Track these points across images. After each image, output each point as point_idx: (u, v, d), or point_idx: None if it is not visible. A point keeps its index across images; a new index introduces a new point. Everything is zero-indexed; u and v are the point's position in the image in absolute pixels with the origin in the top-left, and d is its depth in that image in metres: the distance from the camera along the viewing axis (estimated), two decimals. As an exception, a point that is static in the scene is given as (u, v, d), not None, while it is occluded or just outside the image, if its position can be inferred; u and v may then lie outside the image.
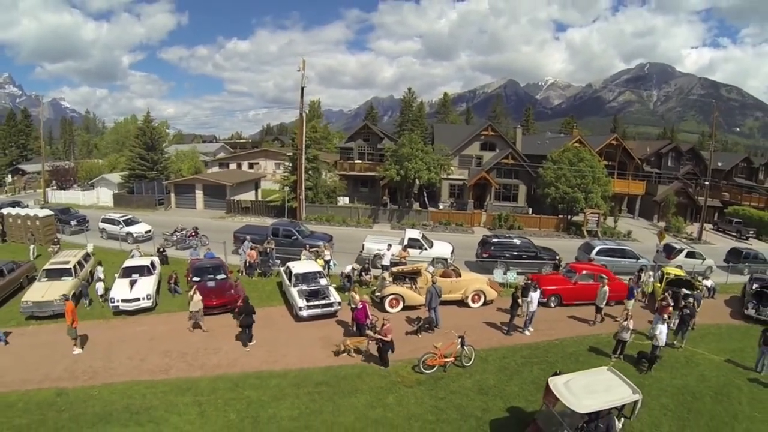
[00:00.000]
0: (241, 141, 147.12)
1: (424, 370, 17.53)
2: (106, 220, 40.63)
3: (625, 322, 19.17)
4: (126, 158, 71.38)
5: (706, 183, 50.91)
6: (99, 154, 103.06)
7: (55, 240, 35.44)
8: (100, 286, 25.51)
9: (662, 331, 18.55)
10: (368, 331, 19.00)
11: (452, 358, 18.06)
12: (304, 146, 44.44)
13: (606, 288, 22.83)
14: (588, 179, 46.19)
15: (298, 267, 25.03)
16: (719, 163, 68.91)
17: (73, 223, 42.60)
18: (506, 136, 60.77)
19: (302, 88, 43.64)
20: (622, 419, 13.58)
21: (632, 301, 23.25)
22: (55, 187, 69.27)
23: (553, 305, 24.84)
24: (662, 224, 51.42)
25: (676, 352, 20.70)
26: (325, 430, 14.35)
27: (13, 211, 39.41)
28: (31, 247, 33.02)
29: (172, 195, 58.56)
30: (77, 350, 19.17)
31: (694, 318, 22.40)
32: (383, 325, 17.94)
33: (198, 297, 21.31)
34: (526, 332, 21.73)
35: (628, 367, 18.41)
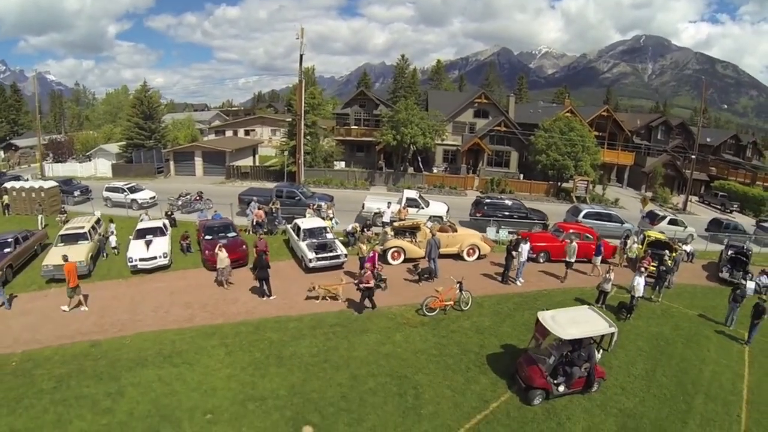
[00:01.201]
0: (233, 109, 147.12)
1: (426, 313, 19.44)
2: (110, 189, 41.60)
3: (608, 274, 20.95)
4: (123, 128, 71.32)
5: (693, 157, 52.41)
6: (91, 125, 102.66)
7: (62, 210, 36.73)
8: (113, 239, 27.59)
9: (639, 283, 20.50)
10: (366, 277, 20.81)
11: (451, 302, 19.96)
12: (303, 112, 45.63)
13: (574, 244, 24.24)
14: (578, 148, 47.64)
15: (306, 223, 26.63)
16: (708, 139, 70.28)
17: (76, 193, 43.43)
18: (499, 104, 62.00)
19: (301, 56, 44.31)
20: (601, 351, 15.61)
21: (599, 258, 25.49)
22: (51, 161, 69.75)
23: (542, 260, 26.61)
24: (649, 194, 53.03)
25: (653, 305, 22.51)
26: (342, 363, 16.11)
27: (17, 184, 40.39)
28: (39, 217, 33.95)
29: (171, 163, 59.22)
30: (84, 308, 20.38)
31: (671, 275, 24.11)
32: (364, 273, 19.70)
33: (224, 254, 22.19)
34: (518, 282, 23.63)
35: (609, 315, 19.94)
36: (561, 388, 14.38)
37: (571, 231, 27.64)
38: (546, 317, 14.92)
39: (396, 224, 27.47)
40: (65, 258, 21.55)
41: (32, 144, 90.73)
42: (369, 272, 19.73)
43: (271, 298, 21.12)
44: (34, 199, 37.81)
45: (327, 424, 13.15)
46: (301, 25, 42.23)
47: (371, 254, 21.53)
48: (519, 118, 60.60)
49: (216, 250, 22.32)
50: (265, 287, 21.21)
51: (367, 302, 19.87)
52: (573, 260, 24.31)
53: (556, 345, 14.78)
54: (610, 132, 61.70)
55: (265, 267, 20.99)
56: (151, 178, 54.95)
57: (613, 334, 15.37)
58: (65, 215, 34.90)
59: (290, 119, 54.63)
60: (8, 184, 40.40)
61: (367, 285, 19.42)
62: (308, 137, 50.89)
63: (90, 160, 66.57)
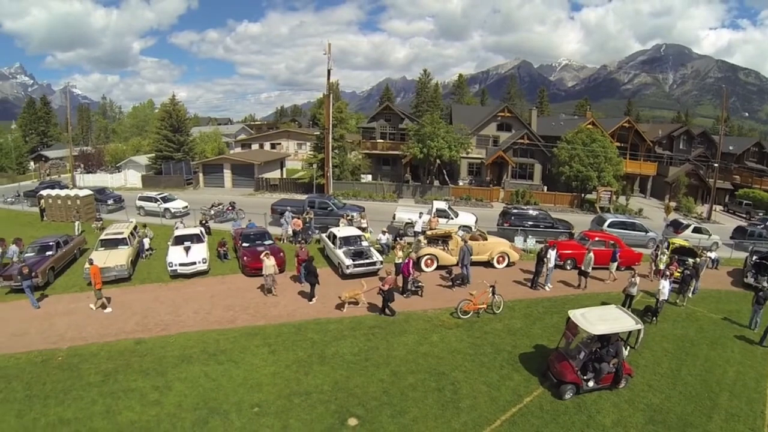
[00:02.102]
0: (257, 123, 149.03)
1: (461, 316, 20.45)
2: (143, 198, 43.18)
3: (633, 279, 21.75)
4: (151, 140, 73.22)
5: (716, 165, 52.58)
6: (118, 138, 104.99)
7: (97, 217, 38.36)
8: (146, 242, 29.18)
9: (665, 286, 21.12)
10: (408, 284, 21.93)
11: (485, 306, 20.96)
12: (330, 126, 46.82)
13: (591, 255, 24.67)
14: (600, 159, 48.18)
15: (341, 232, 27.74)
16: (731, 147, 69.95)
17: (110, 202, 45.00)
18: (522, 118, 62.70)
19: (328, 71, 45.57)
20: (628, 348, 16.45)
21: (615, 264, 26.12)
22: (82, 171, 71.76)
23: (568, 268, 27.29)
24: (672, 204, 53.03)
25: (678, 309, 23.11)
26: (382, 361, 17.10)
27: (53, 192, 42.04)
28: (76, 223, 35.31)
29: (201, 174, 60.87)
30: (109, 308, 21.55)
31: (696, 280, 24.55)
32: (385, 277, 20.79)
33: (270, 261, 22.97)
34: (546, 288, 24.52)
35: (635, 316, 21.03)
36: (590, 384, 15.20)
37: (596, 239, 28.41)
38: (576, 315, 15.86)
39: (429, 233, 28.42)
40: (90, 261, 22.73)
41: (61, 155, 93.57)
42: (389, 277, 20.76)
43: (312, 302, 22.14)
44: (69, 207, 39.13)
45: (371, 416, 14.04)
46: (328, 41, 43.48)
47: (406, 261, 22.62)
48: (541, 131, 61.22)
49: (262, 256, 23.13)
50: (314, 291, 22.32)
51: (387, 309, 20.85)
52: (590, 270, 24.75)
53: (586, 342, 15.66)
54: (632, 143, 61.99)
55: (315, 273, 22.10)
56: (180, 189, 56.36)
57: (639, 331, 16.22)
58: (101, 222, 36.52)
59: (318, 133, 55.85)
60: (44, 192, 42.07)
61: (385, 288, 20.33)
62: (336, 150, 52.11)
63: (120, 171, 68.40)
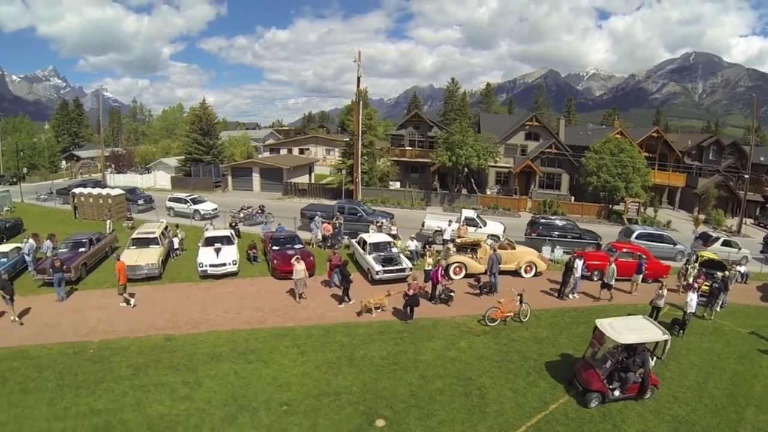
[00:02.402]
0: (284, 128, 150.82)
1: (488, 323, 20.76)
2: (173, 199, 44.23)
3: (660, 291, 21.84)
4: (181, 143, 74.80)
5: (747, 177, 51.98)
6: (148, 140, 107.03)
7: (128, 216, 39.39)
8: (176, 241, 30.02)
9: (692, 299, 21.21)
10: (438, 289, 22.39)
11: (512, 314, 21.22)
12: (360, 132, 47.38)
13: (613, 266, 24.56)
14: (628, 169, 47.95)
15: (372, 237, 28.25)
16: (762, 158, 69.30)
17: (140, 202, 46.23)
18: (549, 127, 62.73)
19: (358, 78, 46.31)
20: (654, 359, 16.61)
21: (640, 276, 25.93)
22: (112, 171, 73.41)
23: (595, 279, 27.17)
24: (702, 216, 52.14)
25: (706, 322, 23.01)
26: (410, 365, 17.48)
27: (85, 190, 43.14)
28: (108, 222, 36.47)
29: (230, 178, 62.03)
30: (132, 302, 22.31)
31: (724, 294, 24.37)
32: (410, 283, 21.30)
33: (301, 266, 23.16)
34: (572, 296, 24.78)
35: (662, 328, 21.07)
36: (616, 393, 15.38)
37: (624, 250, 28.46)
38: (604, 324, 16.09)
39: (458, 241, 28.75)
40: (117, 257, 23.87)
41: (92, 155, 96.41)
42: (415, 282, 21.26)
43: (341, 305, 22.62)
44: (101, 206, 40.17)
45: (399, 418, 14.41)
46: (358, 49, 44.23)
47: (436, 268, 23.01)
48: (569, 141, 61.12)
49: (293, 261, 23.50)
50: (346, 295, 22.90)
51: (410, 313, 21.26)
52: (612, 282, 24.69)
53: (612, 351, 15.90)
54: (661, 153, 61.35)
55: (349, 278, 22.81)
56: (209, 192, 57.28)
57: (666, 341, 16.34)
58: (132, 222, 37.57)
59: (347, 139, 56.50)
60: (76, 190, 43.30)
61: (408, 293, 20.82)
62: (365, 157, 52.75)
63: (149, 172, 70.03)
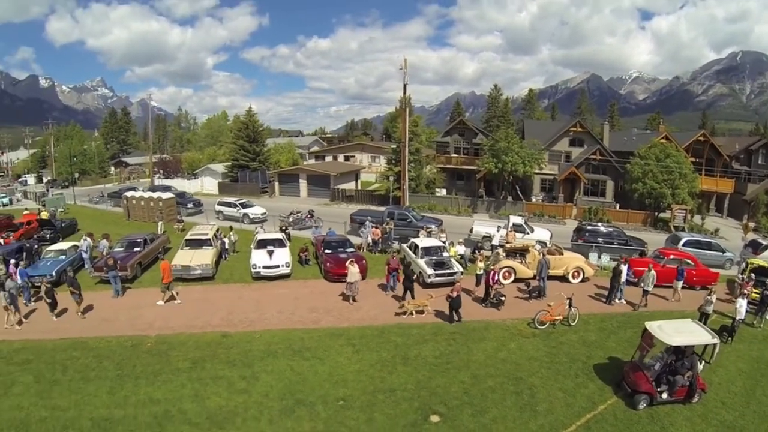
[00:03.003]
0: (328, 136, 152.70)
1: (537, 326, 21.38)
2: (222, 204, 45.98)
3: (709, 297, 22.00)
4: (228, 150, 77.28)
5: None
6: (193, 147, 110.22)
7: (179, 219, 41.23)
8: (226, 242, 31.52)
9: (742, 305, 21.30)
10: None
11: (561, 317, 21.80)
12: (407, 139, 48.23)
13: (653, 272, 24.53)
14: (675, 175, 47.34)
15: (423, 242, 29.08)
16: (816, 162, 66.82)
17: (189, 205, 48.35)
18: (593, 133, 62.45)
19: (404, 85, 47.34)
20: (703, 363, 17.01)
21: (680, 283, 25.69)
22: (160, 177, 76.12)
23: (642, 285, 27.23)
24: (752, 224, 50.40)
25: (755, 330, 22.85)
26: (463, 365, 18.25)
27: (137, 193, 45.34)
28: (159, 224, 38.30)
29: (276, 184, 63.70)
30: (177, 300, 23.65)
31: None
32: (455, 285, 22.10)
33: (356, 269, 24.00)
34: (616, 301, 25.14)
35: (710, 334, 21.15)
36: (664, 396, 15.81)
37: (672, 257, 28.59)
38: (653, 326, 16.56)
39: (508, 246, 29.48)
40: (162, 257, 25.54)
41: (140, 162, 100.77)
42: (458, 284, 22.09)
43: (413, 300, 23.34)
44: (152, 208, 42.27)
45: (452, 414, 15.16)
46: (404, 56, 45.22)
47: (490, 272, 23.82)
48: (613, 146, 60.47)
49: (347, 264, 24.39)
50: (408, 295, 23.88)
51: (455, 315, 22.00)
52: (650, 288, 24.68)
53: (661, 354, 16.37)
54: (708, 158, 59.86)
55: (411, 278, 23.92)
56: (256, 197, 59.04)
57: (715, 345, 16.72)
58: (182, 224, 39.33)
59: (394, 146, 57.41)
60: (128, 193, 45.74)
61: (451, 294, 21.51)
62: (412, 164, 53.55)
63: (197, 178, 72.58)
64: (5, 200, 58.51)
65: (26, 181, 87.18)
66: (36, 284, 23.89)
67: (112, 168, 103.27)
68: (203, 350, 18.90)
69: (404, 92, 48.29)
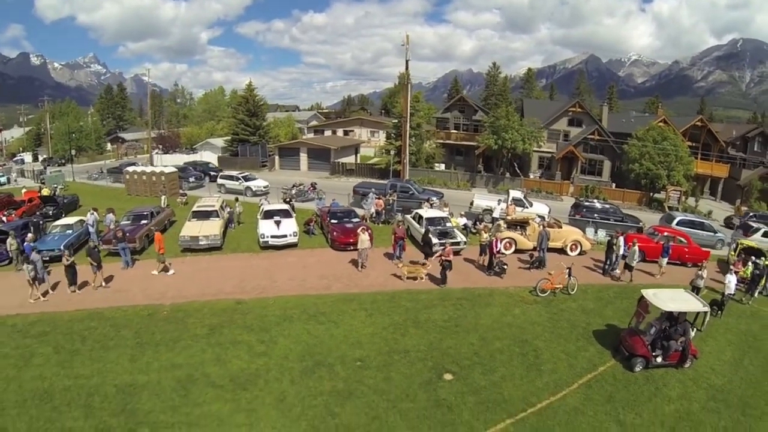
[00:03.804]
0: (324, 111, 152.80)
1: (539, 294, 22.47)
2: (224, 177, 46.70)
3: (700, 272, 23.08)
4: (228, 124, 77.85)
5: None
6: (190, 122, 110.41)
7: (182, 192, 41.95)
8: (236, 211, 32.71)
9: (731, 281, 22.53)
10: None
11: (561, 286, 22.91)
12: (408, 114, 48.94)
13: (635, 248, 25.18)
14: (671, 158, 48.54)
15: (427, 213, 30.05)
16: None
17: (191, 179, 48.81)
18: (592, 113, 63.25)
19: (407, 61, 47.88)
20: (694, 330, 18.16)
21: (665, 259, 26.32)
22: (159, 152, 76.51)
23: (637, 260, 27.52)
24: (744, 208, 50.58)
25: (744, 306, 23.93)
26: (471, 328, 19.31)
27: (138, 168, 45.89)
28: (162, 197, 38.84)
29: (276, 157, 64.23)
30: (171, 271, 24.24)
31: (765, 280, 25.15)
32: (443, 249, 23.49)
33: (365, 236, 24.68)
34: (615, 273, 26.12)
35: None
36: (659, 359, 16.93)
37: (665, 233, 29.63)
38: (649, 293, 17.75)
39: (509, 218, 30.52)
40: (156, 228, 26.32)
41: (137, 137, 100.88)
42: (449, 248, 23.46)
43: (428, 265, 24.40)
44: (154, 183, 43.00)
45: (464, 373, 16.19)
46: (406, 33, 45.62)
47: (493, 240, 24.81)
48: (611, 128, 61.41)
49: (359, 231, 25.26)
50: (403, 259, 25.29)
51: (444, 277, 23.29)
52: (634, 264, 25.39)
53: (656, 321, 17.47)
54: (704, 143, 60.85)
55: (430, 243, 25.38)
56: (256, 170, 59.19)
57: (706, 313, 17.91)
58: (185, 197, 40.24)
59: (395, 121, 58.09)
60: (129, 168, 46.39)
61: (447, 258, 22.85)
62: (413, 139, 54.37)
63: (196, 152, 72.95)
64: (3, 179, 58.34)
65: (23, 159, 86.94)
66: (44, 258, 23.71)
67: (109, 144, 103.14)
68: (219, 317, 19.53)
69: (406, 68, 48.92)
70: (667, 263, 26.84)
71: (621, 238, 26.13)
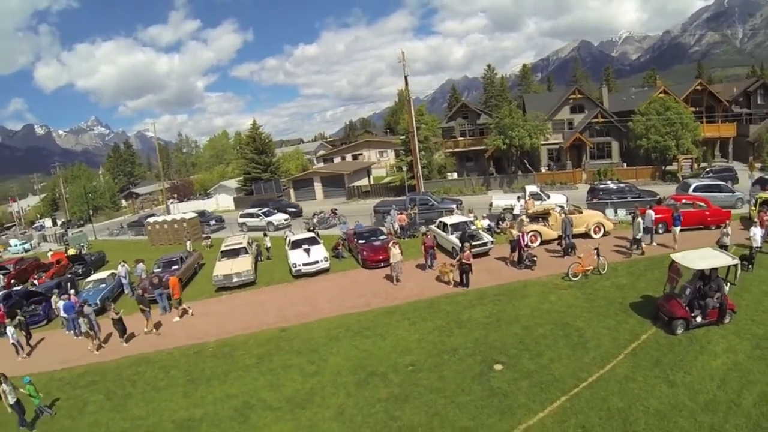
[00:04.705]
0: (329, 140, 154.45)
1: (572, 278, 23.09)
2: (245, 215, 47.86)
3: (725, 229, 23.68)
4: (237, 165, 79.34)
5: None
6: (199, 169, 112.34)
7: (206, 236, 43.08)
8: (267, 240, 33.63)
9: (756, 233, 22.75)
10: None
11: (591, 267, 23.53)
12: (414, 129, 49.82)
13: (639, 220, 25.76)
14: (677, 126, 48.79)
15: (450, 220, 30.87)
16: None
17: (212, 222, 50.11)
18: (592, 97, 63.96)
19: (406, 77, 48.68)
20: (728, 284, 18.65)
21: (678, 228, 26.20)
22: (174, 201, 78.10)
23: (660, 231, 28.53)
24: (758, 164, 50.80)
25: None
26: (512, 319, 19.95)
27: (159, 218, 47.24)
28: (188, 243, 39.86)
29: (291, 190, 65.45)
30: (190, 312, 24.76)
31: None
32: (463, 252, 23.91)
33: (397, 250, 25.23)
34: (653, 244, 26.82)
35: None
36: (698, 319, 17.40)
37: (684, 201, 30.16)
38: (678, 257, 18.41)
39: (530, 211, 31.22)
40: (169, 274, 27.03)
41: (149, 190, 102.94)
42: (468, 252, 23.85)
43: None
44: (176, 230, 43.97)
45: (513, 361, 16.79)
46: (401, 49, 46.59)
47: (519, 236, 25.54)
48: (613, 108, 61.66)
49: (390, 245, 26.00)
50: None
51: (464, 279, 23.96)
52: (639, 236, 25.77)
53: (689, 282, 18.01)
54: (707, 105, 60.45)
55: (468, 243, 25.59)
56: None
57: (736, 266, 18.40)
58: (210, 240, 41.22)
59: (404, 136, 59.01)
60: (149, 219, 47.88)
61: (467, 262, 23.47)
62: (423, 152, 55.02)
63: (211, 197, 74.52)
64: (27, 246, 60.20)
65: (42, 225, 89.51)
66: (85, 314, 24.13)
67: (123, 200, 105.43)
68: (266, 346, 20.17)
69: (406, 84, 49.85)
70: (692, 229, 27.50)
71: (640, 218, 26.28)
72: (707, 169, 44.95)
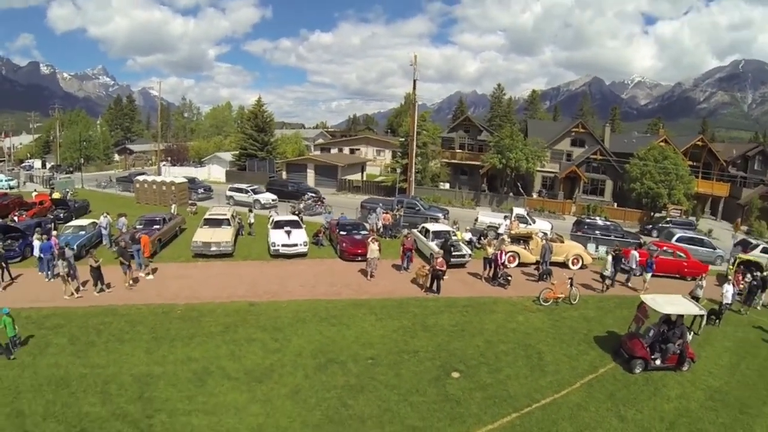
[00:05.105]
0: (329, 130, 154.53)
1: (542, 303, 23.35)
2: (233, 189, 47.79)
3: (700, 281, 23.98)
4: (236, 139, 79.16)
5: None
6: (196, 136, 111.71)
7: (192, 203, 43.05)
8: (251, 216, 34.07)
9: (728, 290, 23.18)
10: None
11: (563, 295, 23.77)
12: (415, 133, 50.01)
13: (610, 256, 26.35)
14: (672, 176, 49.33)
15: (434, 227, 31.19)
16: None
17: (200, 191, 50.05)
18: (595, 134, 64.37)
19: (414, 81, 49.02)
20: (691, 333, 18.97)
21: (649, 274, 26.47)
22: (167, 164, 77.74)
23: (638, 273, 28.35)
24: (744, 227, 51.87)
25: (742, 317, 24.79)
26: (477, 332, 20.14)
27: (149, 178, 47.23)
28: (173, 206, 39.77)
29: (284, 173, 65.26)
30: (150, 276, 24.70)
31: (762, 292, 26.03)
32: (437, 258, 24.14)
33: (375, 246, 25.45)
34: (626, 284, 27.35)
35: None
36: (658, 362, 17.70)
37: (665, 248, 30.55)
38: (647, 298, 18.69)
39: (513, 233, 31.50)
40: (142, 232, 26.92)
41: (144, 149, 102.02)
42: (441, 258, 24.14)
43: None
44: (164, 192, 44.23)
45: (471, 371, 16.96)
46: (414, 53, 46.94)
47: (498, 253, 25.74)
48: (613, 148, 62.28)
49: (369, 241, 26.16)
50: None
51: (434, 286, 24.20)
52: (607, 273, 25.99)
53: (654, 324, 18.26)
54: (705, 162, 61.10)
55: (451, 251, 26.66)
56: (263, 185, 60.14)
57: (702, 317, 18.75)
58: (195, 207, 41.33)
59: (402, 139, 59.29)
60: (139, 177, 47.86)
61: (440, 269, 23.70)
62: (419, 158, 55.39)
63: (204, 166, 73.98)
64: (12, 183, 59.71)
65: (31, 165, 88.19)
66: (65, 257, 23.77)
67: (117, 155, 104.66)
68: (233, 317, 20.24)
69: (413, 87, 50.05)
70: (669, 277, 28.12)
71: (634, 252, 27.24)
72: (668, 219, 45.54)
